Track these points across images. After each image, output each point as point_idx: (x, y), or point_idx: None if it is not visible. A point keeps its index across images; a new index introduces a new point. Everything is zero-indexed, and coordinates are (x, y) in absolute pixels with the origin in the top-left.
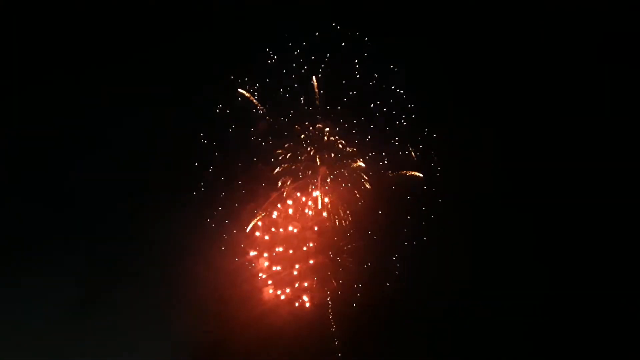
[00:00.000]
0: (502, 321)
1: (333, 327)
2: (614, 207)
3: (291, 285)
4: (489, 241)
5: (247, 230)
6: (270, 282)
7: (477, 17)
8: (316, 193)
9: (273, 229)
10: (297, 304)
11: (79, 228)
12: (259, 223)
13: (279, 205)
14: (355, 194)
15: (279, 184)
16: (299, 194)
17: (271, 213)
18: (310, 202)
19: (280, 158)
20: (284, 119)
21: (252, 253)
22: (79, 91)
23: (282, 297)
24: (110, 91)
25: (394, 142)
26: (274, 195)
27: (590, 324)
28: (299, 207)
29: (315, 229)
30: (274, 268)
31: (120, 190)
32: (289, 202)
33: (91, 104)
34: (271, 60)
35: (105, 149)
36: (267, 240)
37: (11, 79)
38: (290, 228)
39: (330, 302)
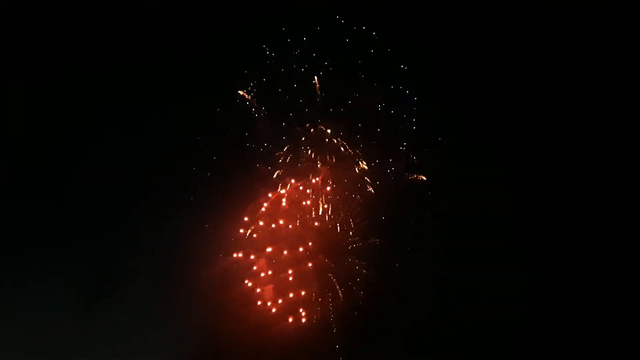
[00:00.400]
0: (507, 322)
1: (334, 329)
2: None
3: (284, 294)
4: (491, 244)
5: (247, 234)
6: (258, 290)
7: (482, 17)
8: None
9: (261, 222)
10: (290, 319)
11: (81, 230)
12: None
13: (269, 195)
14: (357, 197)
15: (279, 186)
16: (293, 181)
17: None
18: (309, 191)
19: (280, 161)
20: (284, 120)
21: (237, 255)
22: (79, 93)
23: (273, 310)
24: (110, 93)
25: (397, 144)
26: (274, 197)
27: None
28: (296, 200)
29: (316, 224)
30: (262, 274)
31: (121, 192)
32: (282, 191)
33: (90, 105)
34: (271, 60)
35: (107, 152)
36: (255, 238)
37: (11, 80)
38: (281, 222)
39: (332, 314)
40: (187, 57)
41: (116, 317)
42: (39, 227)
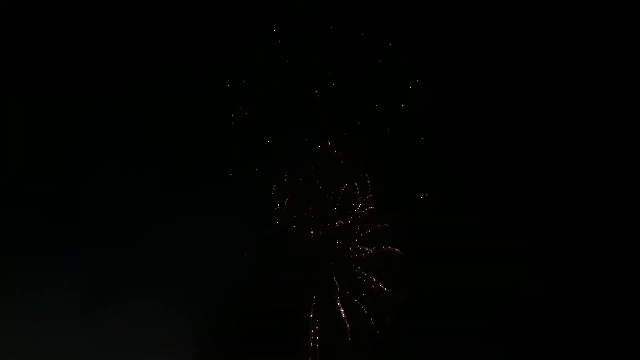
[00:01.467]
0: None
1: None
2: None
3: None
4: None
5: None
6: None
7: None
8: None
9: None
10: None
11: (82, 231)
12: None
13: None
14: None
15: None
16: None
17: None
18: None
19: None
20: (281, 133)
21: None
22: (79, 93)
23: None
24: (111, 95)
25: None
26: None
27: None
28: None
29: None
30: None
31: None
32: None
33: (89, 106)
34: (269, 68)
35: (109, 153)
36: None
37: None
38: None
39: None
40: (181, 66)
41: (118, 321)
42: (40, 229)
